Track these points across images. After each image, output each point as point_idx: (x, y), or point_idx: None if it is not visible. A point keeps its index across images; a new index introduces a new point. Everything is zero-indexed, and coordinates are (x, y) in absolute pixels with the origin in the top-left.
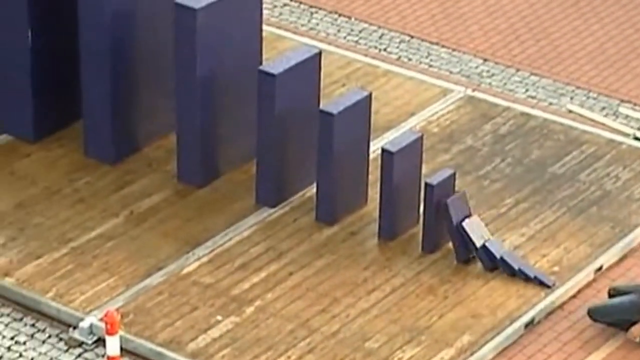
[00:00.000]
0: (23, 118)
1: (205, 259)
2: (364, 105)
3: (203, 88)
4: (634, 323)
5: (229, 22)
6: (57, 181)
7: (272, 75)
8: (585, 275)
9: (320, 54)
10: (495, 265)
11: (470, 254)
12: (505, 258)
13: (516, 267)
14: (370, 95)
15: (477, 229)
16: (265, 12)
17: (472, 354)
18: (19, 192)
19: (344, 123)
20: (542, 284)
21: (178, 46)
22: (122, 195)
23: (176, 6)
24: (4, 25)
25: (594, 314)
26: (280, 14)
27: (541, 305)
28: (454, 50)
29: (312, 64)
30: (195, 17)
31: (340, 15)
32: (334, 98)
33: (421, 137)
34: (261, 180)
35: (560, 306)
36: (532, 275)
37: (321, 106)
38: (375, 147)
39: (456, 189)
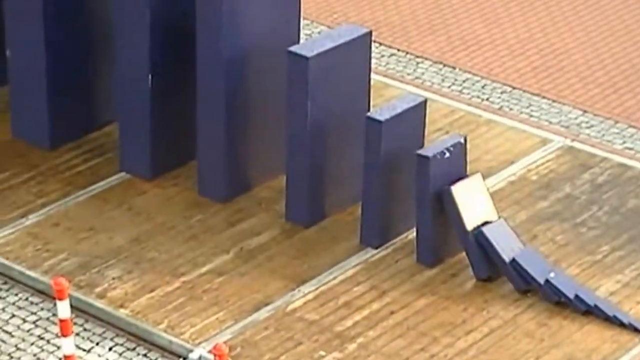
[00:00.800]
0: (141, 157)
1: (310, 296)
2: (459, 150)
3: (312, 132)
4: None
5: (339, 69)
6: (171, 218)
7: (379, 121)
8: None
9: (425, 102)
10: (588, 310)
11: (528, 286)
12: (600, 305)
13: (611, 314)
14: (465, 140)
15: (533, 260)
16: (373, 61)
17: None
18: (135, 227)
19: (440, 166)
20: (636, 330)
21: (290, 91)
22: (232, 232)
23: (289, 54)
24: (126, 68)
25: None
26: (388, 63)
27: (635, 351)
28: (554, 101)
29: (417, 111)
30: (308, 64)
31: (445, 65)
32: (432, 143)
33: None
34: (366, 222)
35: None
36: (626, 321)
37: (418, 150)
38: None
39: (553, 235)
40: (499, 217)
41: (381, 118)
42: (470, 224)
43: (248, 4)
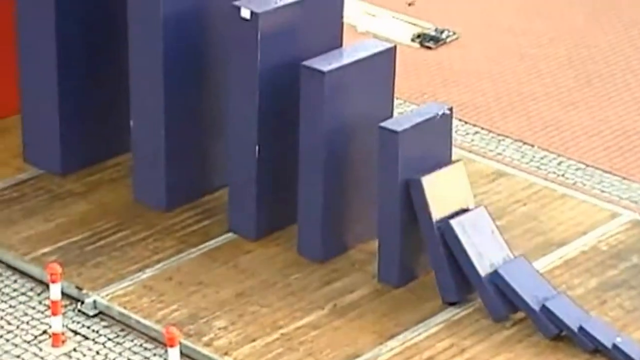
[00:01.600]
0: (247, 220)
1: (396, 350)
2: (485, 217)
3: (402, 201)
4: None
5: (424, 141)
6: (272, 275)
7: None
8: None
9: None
10: None
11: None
12: None
13: None
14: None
15: (600, 328)
16: (458, 137)
17: None
18: (240, 283)
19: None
20: None
21: (381, 162)
22: (327, 290)
23: (381, 129)
24: (236, 139)
25: None
26: (472, 140)
27: None
28: (624, 178)
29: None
30: (397, 138)
31: (524, 143)
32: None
33: None
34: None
35: None
36: None
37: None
38: (549, 261)
39: (621, 301)
40: (559, 291)
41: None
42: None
43: (348, 84)
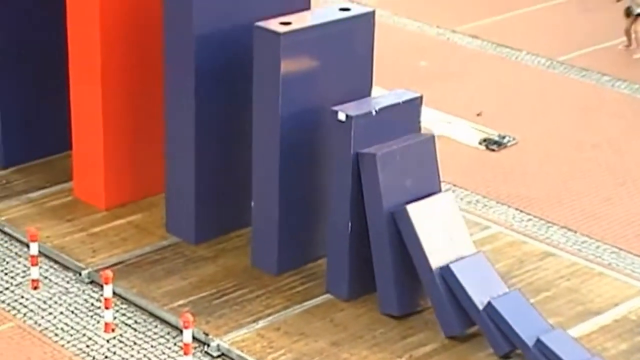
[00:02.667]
0: (341, 283)
1: None
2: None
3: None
4: None
5: (407, 168)
6: (360, 329)
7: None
8: None
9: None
10: None
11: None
12: None
13: None
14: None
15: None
16: (514, 223)
17: None
18: (334, 335)
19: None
20: None
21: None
22: (405, 343)
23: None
24: (334, 217)
25: None
26: (526, 226)
27: None
28: None
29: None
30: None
31: (569, 230)
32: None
33: None
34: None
35: None
36: None
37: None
38: (587, 327)
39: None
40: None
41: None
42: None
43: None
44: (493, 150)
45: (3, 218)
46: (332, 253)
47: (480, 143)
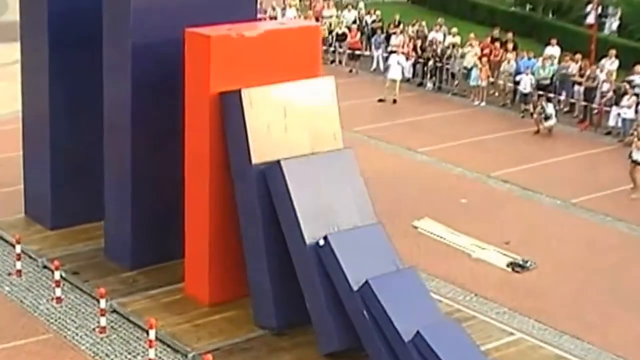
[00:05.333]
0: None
1: None
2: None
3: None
4: None
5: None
6: None
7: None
8: None
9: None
10: None
11: None
12: None
13: None
14: None
15: None
16: (534, 331)
17: None
18: None
19: None
20: None
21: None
22: None
23: None
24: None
25: None
26: (543, 334)
27: None
28: None
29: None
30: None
31: (577, 338)
32: None
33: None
34: None
35: None
36: None
37: None
38: None
39: None
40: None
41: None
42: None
43: None
44: (518, 272)
45: (129, 309)
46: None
47: (507, 266)
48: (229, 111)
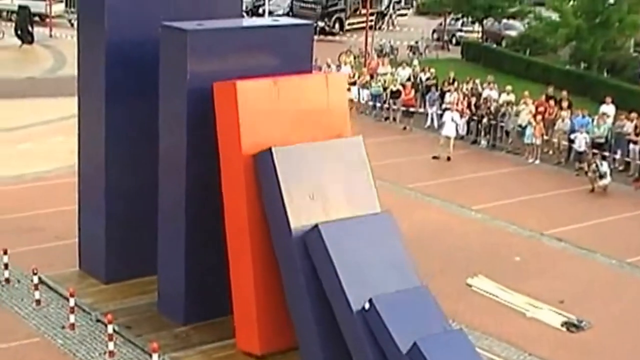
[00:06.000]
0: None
1: None
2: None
3: None
4: None
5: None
6: None
7: None
8: None
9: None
10: None
11: None
12: None
13: None
14: None
15: None
16: None
17: None
18: None
19: None
20: None
21: None
22: None
23: None
24: None
25: None
26: None
27: None
28: None
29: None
30: None
31: None
32: None
33: None
34: None
35: None
36: None
37: None
38: None
39: None
40: None
41: None
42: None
43: None
44: (572, 331)
45: None
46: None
47: (562, 325)
48: (262, 171)
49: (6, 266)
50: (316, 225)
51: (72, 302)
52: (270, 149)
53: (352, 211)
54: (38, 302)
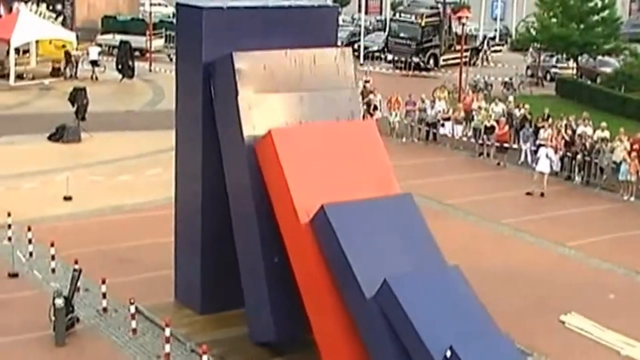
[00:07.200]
0: None
1: None
2: None
3: None
4: None
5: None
6: None
7: None
8: None
9: None
10: None
11: None
12: None
13: None
14: None
15: None
16: None
17: None
18: None
19: None
20: None
21: None
22: None
23: None
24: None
25: None
26: None
27: None
28: None
29: None
30: None
31: None
32: None
33: None
34: None
35: None
36: None
37: None
38: None
39: None
40: None
41: None
42: None
43: None
44: None
45: None
46: None
47: None
48: (320, 230)
49: (104, 295)
50: (322, 206)
51: (167, 332)
52: (322, 207)
53: (417, 266)
54: (134, 331)
